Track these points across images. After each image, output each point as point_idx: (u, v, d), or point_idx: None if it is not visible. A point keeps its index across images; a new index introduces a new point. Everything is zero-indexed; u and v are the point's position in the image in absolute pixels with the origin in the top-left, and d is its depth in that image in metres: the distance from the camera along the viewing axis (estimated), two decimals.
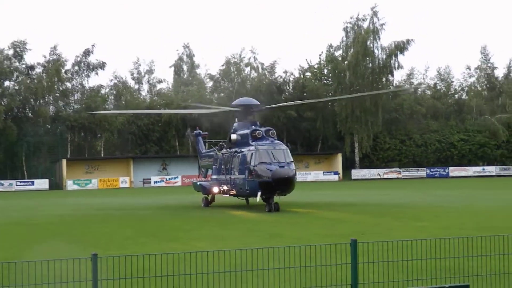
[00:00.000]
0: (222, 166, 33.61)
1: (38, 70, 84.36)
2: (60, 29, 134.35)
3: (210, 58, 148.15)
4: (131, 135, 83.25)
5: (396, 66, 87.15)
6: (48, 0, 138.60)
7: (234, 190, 32.27)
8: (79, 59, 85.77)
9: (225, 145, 34.38)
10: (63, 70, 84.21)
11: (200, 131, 41.47)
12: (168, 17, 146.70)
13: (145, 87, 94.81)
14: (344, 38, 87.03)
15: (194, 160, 43.31)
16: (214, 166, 35.43)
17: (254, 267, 9.82)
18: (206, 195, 34.86)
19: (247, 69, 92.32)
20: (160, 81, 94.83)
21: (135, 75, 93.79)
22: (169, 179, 75.12)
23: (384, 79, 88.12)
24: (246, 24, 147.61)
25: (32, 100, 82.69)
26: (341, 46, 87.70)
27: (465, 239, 10.79)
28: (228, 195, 33.34)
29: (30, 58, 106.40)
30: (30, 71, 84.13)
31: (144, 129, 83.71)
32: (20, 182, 73.54)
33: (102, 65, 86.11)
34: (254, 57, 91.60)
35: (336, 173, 79.98)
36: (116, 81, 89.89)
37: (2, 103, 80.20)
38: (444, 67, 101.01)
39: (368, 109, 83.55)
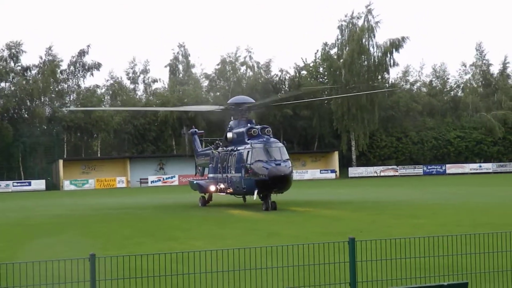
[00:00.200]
0: (219, 165, 33.63)
1: (34, 71, 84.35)
2: (55, 30, 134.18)
3: (206, 57, 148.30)
4: (127, 135, 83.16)
5: (392, 64, 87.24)
6: (43, 1, 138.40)
7: (231, 188, 32.28)
8: (74, 59, 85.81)
9: (221, 144, 34.42)
10: (58, 71, 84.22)
11: (196, 130, 41.50)
12: (163, 17, 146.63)
13: (141, 86, 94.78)
14: (339, 36, 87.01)
15: (190, 160, 43.27)
16: (210, 165, 35.45)
17: (252, 266, 9.82)
18: (203, 194, 34.90)
19: (243, 68, 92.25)
20: (155, 81, 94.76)
21: (130, 75, 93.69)
22: (166, 178, 75.08)
23: (379, 76, 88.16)
24: (241, 23, 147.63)
25: (28, 101, 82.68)
26: (337, 44, 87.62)
27: (462, 236, 10.79)
28: (225, 194, 33.33)
29: (26, 59, 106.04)
30: (25, 72, 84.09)
31: (141, 128, 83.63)
32: (17, 183, 73.47)
33: (97, 66, 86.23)
34: (250, 56, 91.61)
35: (333, 171, 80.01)
36: (112, 81, 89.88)
37: None
38: (440, 64, 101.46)
39: (364, 107, 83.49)
